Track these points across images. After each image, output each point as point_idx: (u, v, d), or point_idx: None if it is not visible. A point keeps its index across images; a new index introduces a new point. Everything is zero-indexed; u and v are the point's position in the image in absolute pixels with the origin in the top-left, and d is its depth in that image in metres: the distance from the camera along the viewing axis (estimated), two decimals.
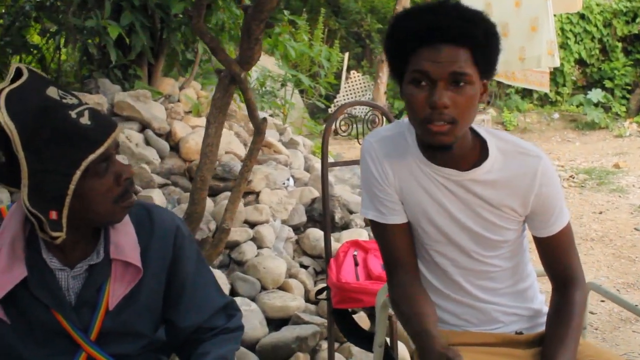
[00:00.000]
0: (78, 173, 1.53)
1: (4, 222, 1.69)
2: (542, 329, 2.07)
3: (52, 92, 1.56)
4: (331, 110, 12.07)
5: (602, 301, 4.85)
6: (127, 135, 4.70)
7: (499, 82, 11.98)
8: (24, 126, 1.50)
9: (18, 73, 1.57)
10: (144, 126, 4.99)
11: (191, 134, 5.04)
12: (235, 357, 1.92)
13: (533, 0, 7.90)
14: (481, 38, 1.75)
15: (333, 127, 3.57)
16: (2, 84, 1.54)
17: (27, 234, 1.68)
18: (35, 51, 5.71)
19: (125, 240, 1.73)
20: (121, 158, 4.54)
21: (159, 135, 4.97)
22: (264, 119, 2.81)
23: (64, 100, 1.56)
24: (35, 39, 5.98)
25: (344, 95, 13.46)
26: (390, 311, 2.41)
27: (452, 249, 2.05)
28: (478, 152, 1.94)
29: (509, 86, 12.65)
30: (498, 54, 1.83)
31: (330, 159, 7.26)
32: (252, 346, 3.71)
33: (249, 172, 2.84)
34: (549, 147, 11.72)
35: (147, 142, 4.88)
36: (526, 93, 13.63)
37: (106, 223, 1.70)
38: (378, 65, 8.80)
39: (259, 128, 2.80)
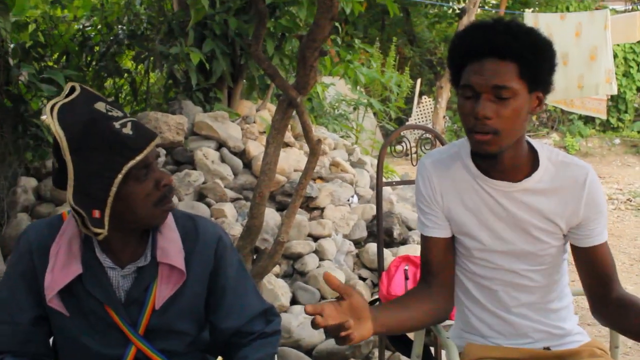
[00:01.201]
0: (119, 177, 1.59)
1: (64, 225, 1.76)
2: (572, 346, 2.05)
3: (100, 106, 1.64)
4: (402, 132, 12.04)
5: None
6: (204, 152, 4.77)
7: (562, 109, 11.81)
8: (72, 134, 1.58)
9: (72, 90, 1.66)
10: (220, 144, 5.03)
11: (263, 152, 5.07)
12: None
13: (593, 31, 7.78)
14: (527, 52, 1.75)
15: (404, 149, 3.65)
16: (56, 99, 1.63)
17: (83, 235, 1.74)
18: (126, 75, 5.86)
19: (170, 246, 1.77)
20: (199, 173, 4.61)
21: (234, 153, 5.00)
22: (319, 141, 2.82)
23: (110, 113, 1.63)
24: (127, 63, 6.12)
25: (415, 119, 13.37)
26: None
27: (493, 262, 2.03)
28: (530, 163, 1.93)
29: (572, 112, 12.42)
30: (550, 69, 1.82)
31: (396, 178, 7.25)
32: (309, 351, 3.74)
33: (303, 189, 2.84)
34: (609, 170, 11.45)
35: (222, 159, 4.92)
36: (589, 119, 13.32)
37: (148, 225, 1.74)
38: (437, 91, 8.76)
39: (313, 148, 2.82)
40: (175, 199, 4.42)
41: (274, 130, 2.78)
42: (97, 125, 1.60)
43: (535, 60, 1.76)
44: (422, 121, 13.35)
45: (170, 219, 1.81)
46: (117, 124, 1.62)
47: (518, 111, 1.78)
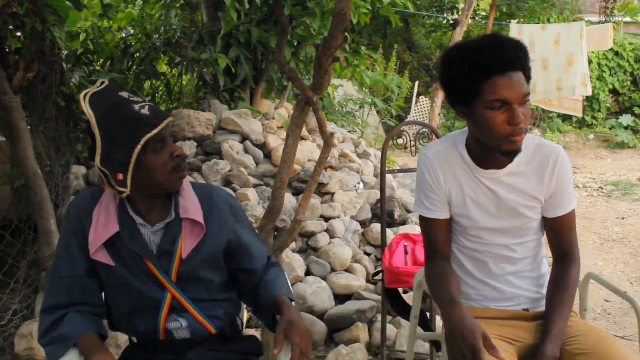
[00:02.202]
0: (138, 147, 1.71)
1: (104, 194, 1.88)
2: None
3: (124, 94, 1.78)
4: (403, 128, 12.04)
5: None
6: (230, 145, 4.81)
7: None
8: (100, 114, 1.71)
9: (102, 84, 1.80)
10: (244, 138, 5.06)
11: (281, 144, 5.08)
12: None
13: (570, 40, 7.78)
14: (527, 62, 1.84)
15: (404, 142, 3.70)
16: (89, 89, 1.78)
17: (119, 201, 1.85)
18: (162, 77, 5.88)
19: (190, 205, 1.88)
20: (225, 163, 4.66)
21: (256, 145, 5.04)
22: (332, 134, 2.86)
23: (131, 99, 1.76)
24: (163, 67, 6.15)
25: (413, 116, 13.34)
26: (425, 289, 2.44)
27: (486, 239, 2.10)
28: None
29: (552, 111, 12.40)
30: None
31: (397, 168, 7.29)
32: (321, 316, 3.78)
33: (318, 175, 2.88)
34: (584, 162, 11.41)
35: (246, 151, 4.96)
36: (566, 117, 13.26)
37: (168, 189, 1.84)
38: (434, 92, 8.79)
39: (327, 141, 2.85)
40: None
41: (293, 125, 2.82)
42: (120, 107, 1.73)
43: (529, 67, 1.86)
44: (420, 118, 13.31)
45: (188, 186, 1.92)
46: (136, 107, 1.74)
47: (530, 110, 1.87)
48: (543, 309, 2.08)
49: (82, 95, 1.74)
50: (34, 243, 3.64)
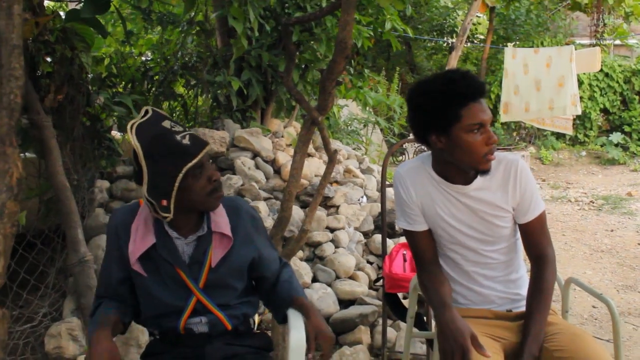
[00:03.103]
0: (180, 175, 1.81)
1: (141, 208, 2.01)
2: None
3: (166, 123, 1.87)
4: (404, 145, 12.12)
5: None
6: (242, 161, 4.92)
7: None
8: (146, 145, 1.81)
9: (146, 112, 1.90)
10: (255, 154, 5.16)
11: (290, 160, 5.11)
12: None
13: (560, 63, 7.89)
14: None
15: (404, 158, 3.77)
16: (134, 119, 1.86)
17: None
18: (179, 98, 5.99)
19: (220, 219, 2.00)
20: (238, 177, 4.78)
21: (266, 161, 5.14)
22: (335, 151, 2.97)
23: (173, 129, 1.86)
24: (180, 89, 6.27)
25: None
26: (420, 293, 2.54)
27: (461, 247, 2.18)
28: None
29: (545, 129, 12.49)
30: None
31: None
32: (326, 319, 3.82)
33: (323, 189, 2.98)
34: (577, 178, 11.49)
35: (257, 167, 5.05)
36: (560, 134, 13.37)
37: (205, 209, 1.96)
38: None
39: (331, 157, 2.95)
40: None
41: (300, 143, 2.92)
42: (163, 138, 1.82)
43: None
44: None
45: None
46: (178, 137, 1.83)
47: None
48: (523, 309, 2.16)
49: (129, 126, 1.84)
50: (62, 251, 3.76)
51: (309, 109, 2.83)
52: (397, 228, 4.96)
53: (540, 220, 2.15)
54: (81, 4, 3.61)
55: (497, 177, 2.11)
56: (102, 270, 2.08)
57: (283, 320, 2.13)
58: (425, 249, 2.23)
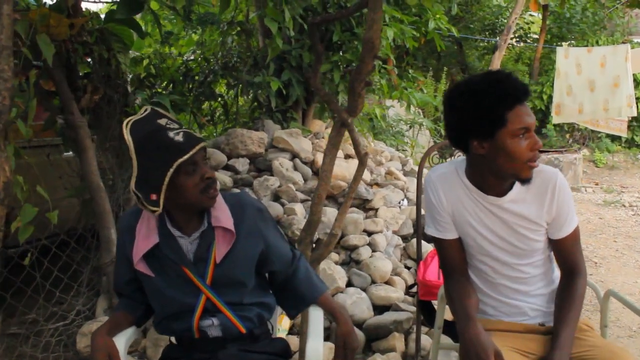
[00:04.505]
0: (171, 170, 1.80)
1: (144, 211, 2.00)
2: None
3: (162, 121, 1.87)
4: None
5: None
6: (280, 162, 4.89)
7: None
8: (138, 140, 1.82)
9: (145, 110, 1.92)
10: (294, 156, 5.13)
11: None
12: None
13: (615, 62, 7.66)
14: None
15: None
16: (133, 116, 1.89)
17: (158, 216, 1.97)
18: (220, 99, 6.04)
19: (221, 214, 1.98)
20: (275, 179, 4.75)
21: (305, 162, 5.10)
22: (366, 154, 2.90)
23: (168, 126, 1.86)
24: (222, 89, 6.31)
25: None
26: None
27: (491, 259, 2.10)
28: (511, 181, 2.00)
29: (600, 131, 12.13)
30: None
31: None
32: (359, 325, 3.81)
33: (353, 192, 2.93)
34: (632, 182, 11.09)
35: (295, 168, 5.02)
36: (615, 137, 12.95)
37: (200, 207, 1.94)
38: None
39: (361, 160, 2.90)
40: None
41: (329, 145, 2.87)
42: (156, 134, 1.83)
43: None
44: None
45: (219, 197, 2.01)
46: (171, 133, 1.84)
47: None
48: None
49: (125, 122, 1.87)
50: (96, 250, 3.80)
51: (338, 110, 2.77)
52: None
53: (574, 236, 2.06)
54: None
55: (533, 189, 2.00)
56: (114, 271, 2.14)
57: (296, 314, 2.18)
58: (453, 257, 2.15)
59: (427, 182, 2.16)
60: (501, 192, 2.01)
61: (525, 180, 1.93)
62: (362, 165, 2.92)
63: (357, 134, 2.89)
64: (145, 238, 1.95)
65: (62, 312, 3.59)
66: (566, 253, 2.07)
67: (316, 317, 2.12)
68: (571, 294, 2.01)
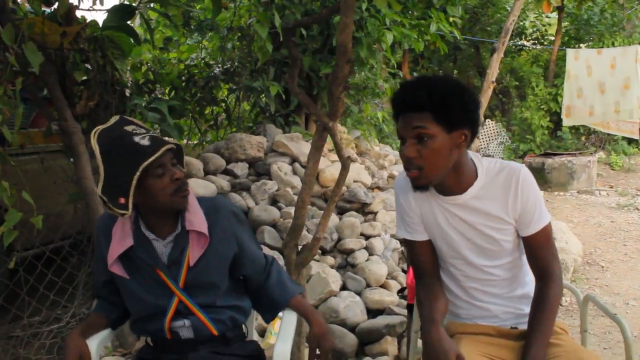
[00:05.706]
0: (137, 173, 1.84)
1: None
2: None
3: (129, 128, 1.91)
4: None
5: None
6: (279, 166, 4.94)
7: None
8: (103, 146, 1.86)
9: (114, 119, 1.97)
10: (293, 160, 5.18)
11: (329, 166, 5.18)
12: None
13: (625, 63, 7.62)
14: (438, 102, 1.84)
15: None
16: (101, 126, 1.93)
17: (133, 219, 2.02)
18: (222, 103, 6.10)
19: (195, 218, 2.00)
20: (273, 183, 4.79)
21: (304, 167, 5.10)
22: (348, 157, 2.91)
23: (134, 131, 1.90)
24: (224, 93, 6.36)
25: (479, 139, 13.16)
26: None
27: (461, 262, 2.10)
28: (474, 177, 2.01)
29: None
30: (461, 111, 1.88)
31: None
32: (352, 328, 3.83)
33: (336, 197, 2.94)
34: None
35: (294, 172, 5.06)
36: (632, 140, 12.79)
37: (172, 209, 1.97)
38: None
39: (344, 164, 2.90)
40: (251, 202, 4.64)
41: (312, 149, 2.88)
42: (121, 139, 1.87)
43: (447, 106, 1.85)
44: (486, 140, 13.14)
45: (194, 201, 2.04)
46: (137, 138, 1.87)
47: (438, 150, 1.86)
48: None
49: (93, 131, 1.91)
50: (92, 254, 3.87)
51: (318, 114, 2.80)
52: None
53: (545, 233, 2.03)
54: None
55: (497, 185, 2.00)
56: (94, 273, 2.17)
57: (271, 318, 2.21)
58: (424, 260, 2.16)
59: (396, 184, 2.18)
60: (460, 189, 2.01)
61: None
62: (344, 169, 2.92)
63: (338, 137, 2.92)
64: (120, 240, 2.00)
65: (57, 315, 3.66)
66: (537, 254, 2.03)
67: (287, 320, 2.15)
68: (543, 303, 1.98)
